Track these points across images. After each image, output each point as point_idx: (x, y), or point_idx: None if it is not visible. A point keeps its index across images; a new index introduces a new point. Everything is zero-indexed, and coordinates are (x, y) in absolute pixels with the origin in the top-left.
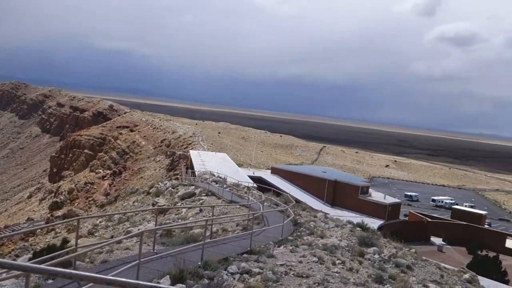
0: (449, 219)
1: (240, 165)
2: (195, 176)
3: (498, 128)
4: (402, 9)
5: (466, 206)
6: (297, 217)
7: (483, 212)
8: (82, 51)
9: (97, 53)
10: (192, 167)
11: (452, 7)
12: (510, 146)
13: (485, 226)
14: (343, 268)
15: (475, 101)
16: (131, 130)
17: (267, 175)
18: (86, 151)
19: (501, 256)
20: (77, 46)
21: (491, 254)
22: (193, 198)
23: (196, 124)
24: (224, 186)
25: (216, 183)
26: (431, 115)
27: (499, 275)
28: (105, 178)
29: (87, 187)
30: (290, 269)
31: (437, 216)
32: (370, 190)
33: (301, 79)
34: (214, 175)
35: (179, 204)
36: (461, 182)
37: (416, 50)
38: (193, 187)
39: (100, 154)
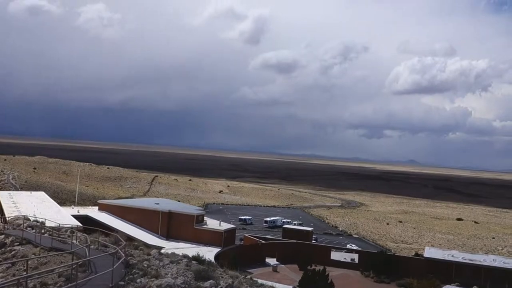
0: (281, 239)
1: (62, 203)
2: (6, 222)
3: (316, 148)
4: (229, 36)
5: (295, 224)
6: (129, 258)
7: (310, 229)
8: None
9: None
10: (1, 211)
11: (274, 35)
12: (326, 164)
13: (312, 241)
14: None
15: (297, 124)
16: None
17: (94, 213)
18: None
19: (328, 268)
20: None
21: (319, 267)
22: (3, 249)
23: (5, 160)
24: (43, 231)
25: (33, 229)
26: (260, 138)
27: (327, 287)
28: None
29: None
30: None
31: (270, 237)
32: (205, 218)
33: (129, 105)
34: (29, 219)
35: None
36: (290, 201)
37: (243, 76)
38: (2, 236)
39: None
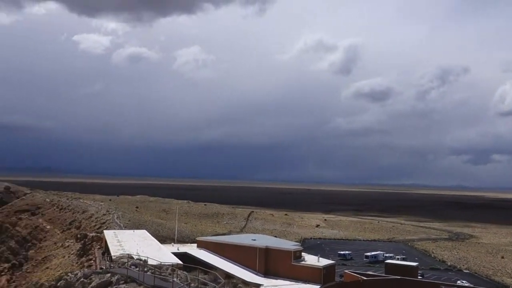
0: (384, 275)
1: (162, 241)
2: (112, 260)
3: (416, 177)
4: (320, 68)
5: (398, 259)
6: None
7: (414, 264)
8: None
9: None
10: (107, 250)
11: (366, 64)
12: (429, 194)
13: (418, 277)
14: None
15: (394, 153)
16: (33, 214)
17: (193, 250)
18: None
19: None
20: None
21: None
22: None
23: (110, 200)
24: (145, 269)
25: (136, 267)
26: (355, 169)
27: None
28: (2, 274)
29: None
30: None
31: (372, 273)
32: (303, 253)
33: (224, 143)
34: (133, 257)
35: None
36: (391, 234)
37: (335, 107)
38: (109, 274)
39: None
